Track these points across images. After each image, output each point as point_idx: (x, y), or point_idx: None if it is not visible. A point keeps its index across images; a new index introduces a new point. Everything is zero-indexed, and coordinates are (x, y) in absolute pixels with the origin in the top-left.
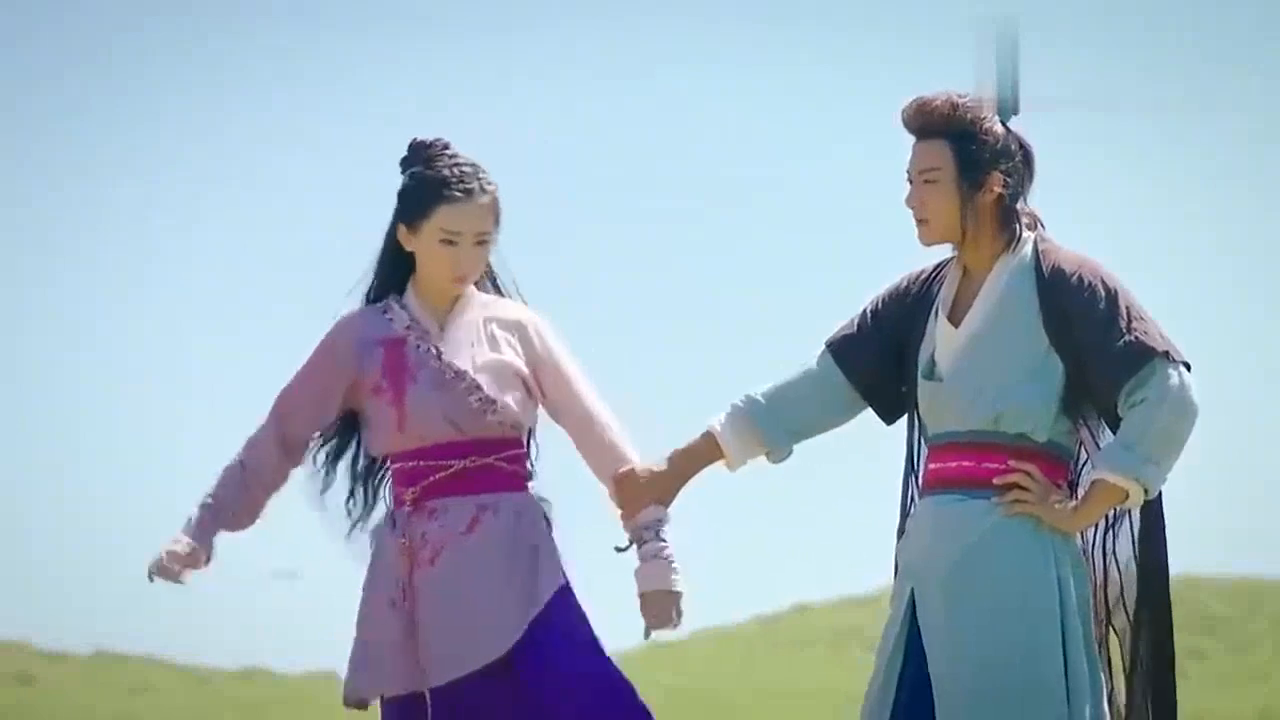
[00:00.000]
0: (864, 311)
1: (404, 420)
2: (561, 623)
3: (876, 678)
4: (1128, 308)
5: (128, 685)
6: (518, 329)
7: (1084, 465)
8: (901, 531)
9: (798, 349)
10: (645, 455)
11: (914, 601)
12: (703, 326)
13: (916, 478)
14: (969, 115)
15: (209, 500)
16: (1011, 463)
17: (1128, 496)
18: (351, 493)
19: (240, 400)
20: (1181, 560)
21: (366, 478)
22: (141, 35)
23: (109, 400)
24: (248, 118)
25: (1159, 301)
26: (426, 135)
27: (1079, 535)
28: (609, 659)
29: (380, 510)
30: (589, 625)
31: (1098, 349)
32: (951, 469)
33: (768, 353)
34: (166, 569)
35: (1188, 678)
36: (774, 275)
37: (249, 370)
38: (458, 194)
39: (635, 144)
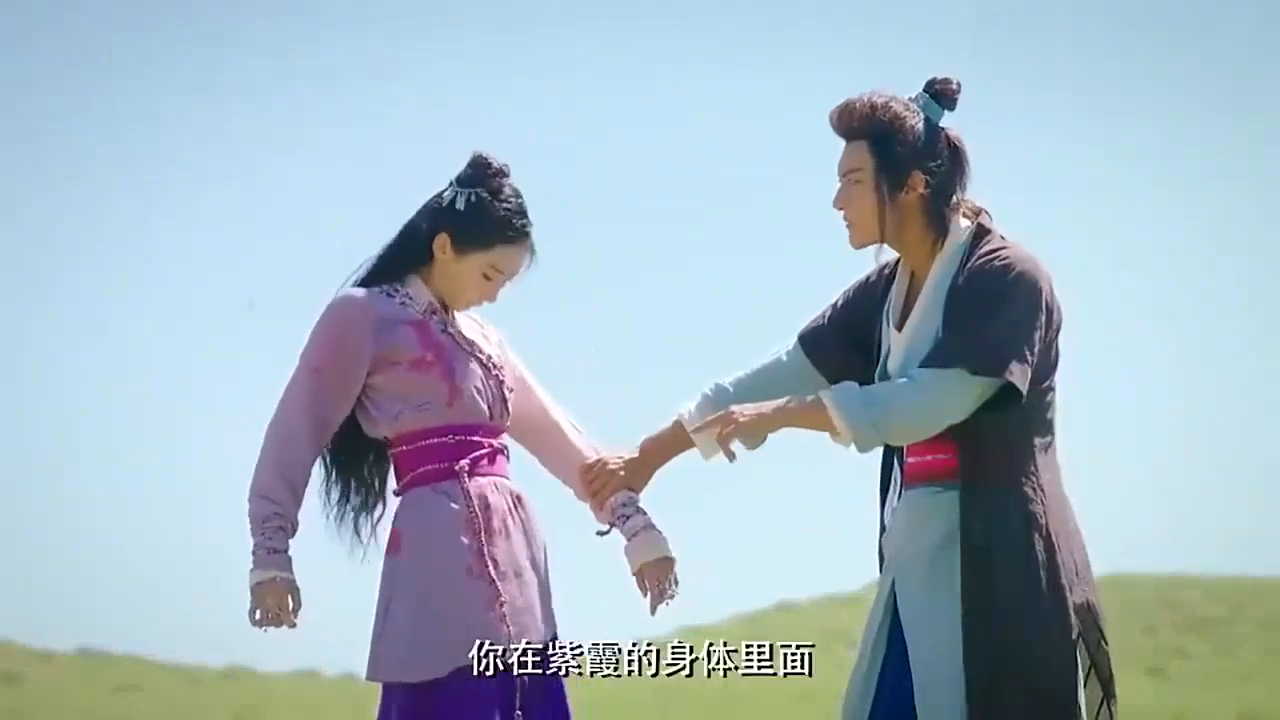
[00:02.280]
0: (833, 303)
1: (456, 394)
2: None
3: (859, 668)
4: (993, 313)
5: (114, 684)
6: (492, 331)
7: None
8: (883, 526)
9: None
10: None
11: (895, 593)
12: (703, 326)
13: (901, 471)
14: (888, 116)
15: (278, 520)
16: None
17: (832, 433)
18: (355, 488)
19: (240, 400)
20: (1169, 560)
21: (369, 470)
22: (141, 35)
23: (109, 400)
24: (248, 118)
25: (1159, 302)
26: (492, 155)
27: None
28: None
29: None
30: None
31: (946, 326)
32: (927, 462)
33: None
34: (283, 619)
35: (1172, 677)
36: (774, 275)
37: (249, 370)
38: (516, 235)
39: (635, 144)
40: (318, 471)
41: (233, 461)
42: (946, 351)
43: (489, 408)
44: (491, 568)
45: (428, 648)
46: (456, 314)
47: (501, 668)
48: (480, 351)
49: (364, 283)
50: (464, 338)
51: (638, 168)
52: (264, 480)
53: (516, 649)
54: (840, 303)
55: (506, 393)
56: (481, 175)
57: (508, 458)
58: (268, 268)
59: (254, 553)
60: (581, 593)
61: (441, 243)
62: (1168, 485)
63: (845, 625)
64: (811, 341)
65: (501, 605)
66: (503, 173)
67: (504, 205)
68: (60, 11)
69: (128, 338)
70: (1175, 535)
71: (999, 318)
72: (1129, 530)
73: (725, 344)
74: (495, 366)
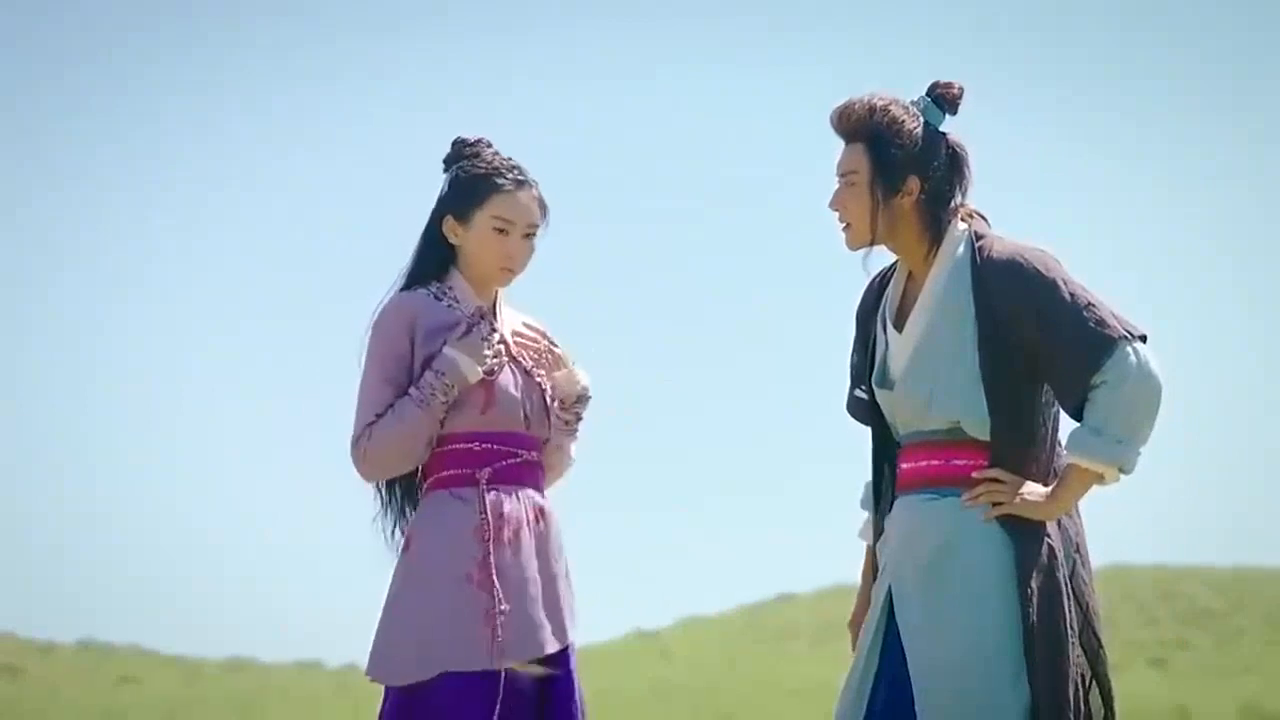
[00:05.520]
0: (850, 359)
1: (491, 402)
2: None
3: (853, 674)
4: (1073, 295)
5: (116, 676)
6: (541, 332)
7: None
8: (877, 530)
9: (797, 349)
10: (638, 452)
11: (891, 601)
12: (703, 326)
13: (893, 474)
14: (886, 119)
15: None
16: (977, 469)
17: (1103, 478)
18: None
19: (239, 398)
20: (1170, 552)
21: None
22: (141, 35)
23: (109, 400)
24: (248, 118)
25: (1159, 302)
26: (469, 135)
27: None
28: None
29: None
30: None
31: (1053, 345)
32: (922, 468)
33: (768, 352)
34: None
35: (1173, 669)
36: (774, 275)
37: (248, 370)
38: (509, 184)
39: (635, 144)
40: (344, 481)
41: (232, 458)
42: (1094, 343)
43: (526, 417)
44: (495, 578)
45: (413, 651)
46: (508, 318)
47: (486, 678)
48: (526, 359)
49: (407, 287)
50: (510, 344)
51: (638, 168)
52: (368, 430)
53: (505, 661)
54: (855, 345)
55: (549, 402)
56: (461, 150)
57: (544, 470)
58: (268, 268)
59: (421, 400)
60: (582, 587)
61: (449, 226)
62: (1168, 478)
63: (845, 617)
64: (857, 412)
65: (498, 617)
66: (481, 143)
67: (487, 163)
68: (60, 11)
69: (128, 338)
70: (1176, 527)
71: (1079, 292)
72: (1130, 523)
73: (725, 344)
74: (539, 375)
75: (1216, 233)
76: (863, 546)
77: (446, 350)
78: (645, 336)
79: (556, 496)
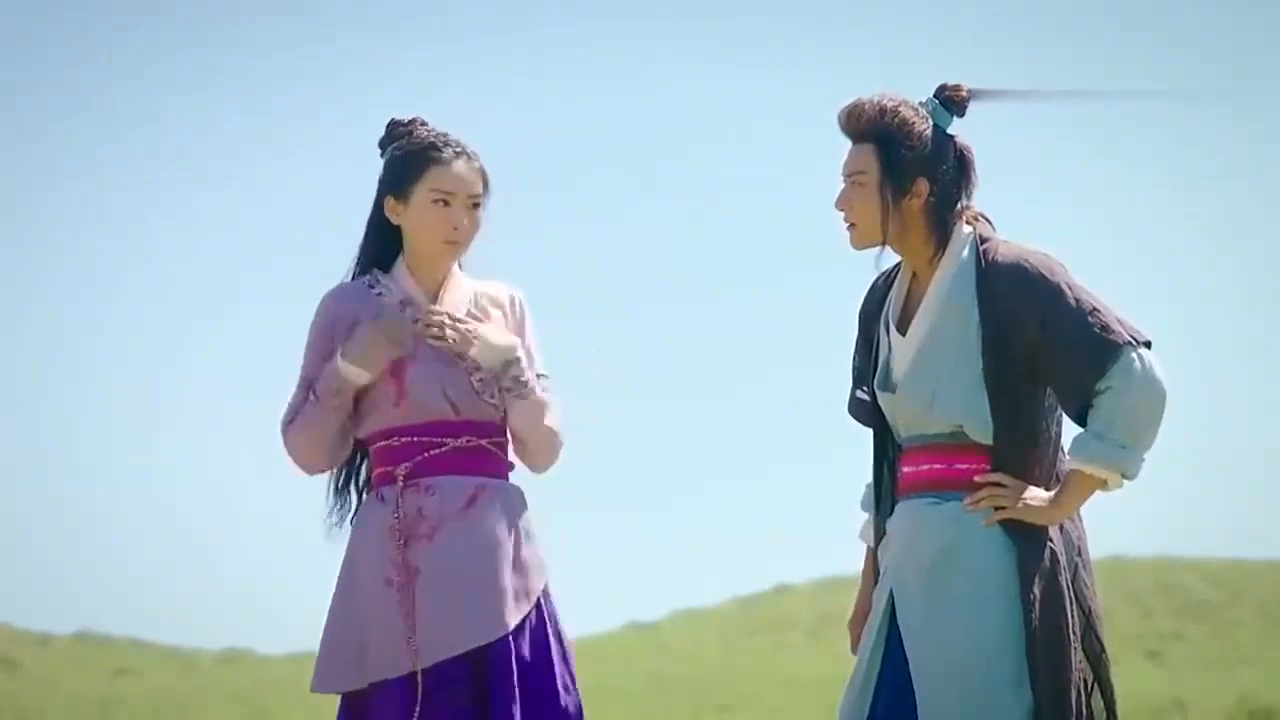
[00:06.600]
0: (852, 366)
1: (402, 395)
2: (539, 633)
3: (855, 677)
4: (1078, 300)
5: (112, 667)
6: (505, 306)
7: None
8: (879, 532)
9: (795, 345)
10: (635, 446)
11: (894, 603)
12: (702, 324)
13: (893, 477)
14: (896, 120)
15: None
16: (980, 473)
17: (1106, 484)
18: (338, 482)
19: (238, 399)
20: (1167, 544)
21: (349, 465)
22: (141, 35)
23: (109, 400)
24: (248, 118)
25: (1159, 302)
26: (403, 116)
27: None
28: (574, 681)
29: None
30: (562, 636)
31: (1057, 349)
32: (924, 471)
33: (766, 348)
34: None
35: (1169, 661)
36: (774, 275)
37: (247, 370)
38: (446, 155)
39: (635, 144)
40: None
41: (229, 454)
42: (1099, 347)
43: (452, 403)
44: (413, 577)
45: (348, 658)
46: (462, 294)
47: (410, 680)
48: (444, 345)
49: (354, 275)
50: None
51: (638, 168)
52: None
53: (424, 662)
54: (856, 362)
55: (477, 384)
56: (394, 131)
57: (496, 450)
58: (268, 268)
59: (315, 402)
60: (578, 580)
61: (390, 207)
62: (1167, 474)
63: (842, 608)
64: (859, 414)
65: (414, 617)
66: (415, 121)
67: (421, 139)
68: (60, 11)
69: (128, 338)
70: (1173, 519)
71: (1084, 297)
72: (1127, 514)
73: (723, 341)
74: (460, 359)
75: (1216, 233)
76: (862, 545)
77: (336, 359)
78: (644, 333)
79: (554, 489)
